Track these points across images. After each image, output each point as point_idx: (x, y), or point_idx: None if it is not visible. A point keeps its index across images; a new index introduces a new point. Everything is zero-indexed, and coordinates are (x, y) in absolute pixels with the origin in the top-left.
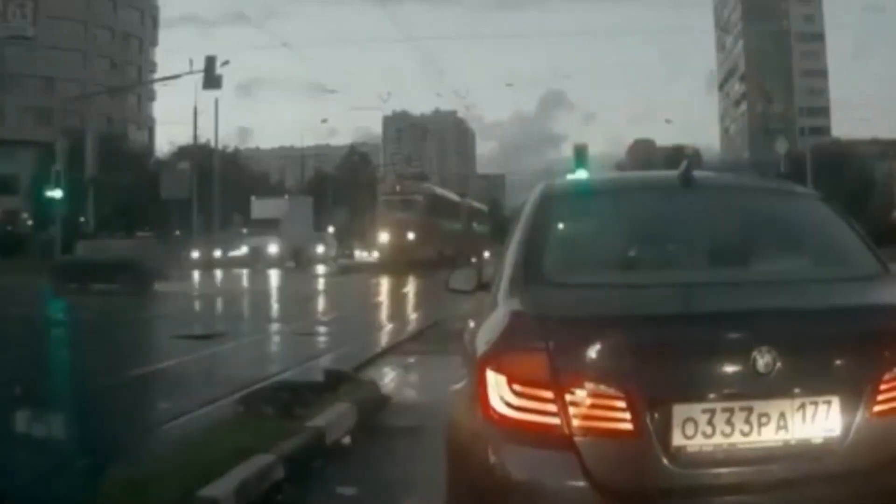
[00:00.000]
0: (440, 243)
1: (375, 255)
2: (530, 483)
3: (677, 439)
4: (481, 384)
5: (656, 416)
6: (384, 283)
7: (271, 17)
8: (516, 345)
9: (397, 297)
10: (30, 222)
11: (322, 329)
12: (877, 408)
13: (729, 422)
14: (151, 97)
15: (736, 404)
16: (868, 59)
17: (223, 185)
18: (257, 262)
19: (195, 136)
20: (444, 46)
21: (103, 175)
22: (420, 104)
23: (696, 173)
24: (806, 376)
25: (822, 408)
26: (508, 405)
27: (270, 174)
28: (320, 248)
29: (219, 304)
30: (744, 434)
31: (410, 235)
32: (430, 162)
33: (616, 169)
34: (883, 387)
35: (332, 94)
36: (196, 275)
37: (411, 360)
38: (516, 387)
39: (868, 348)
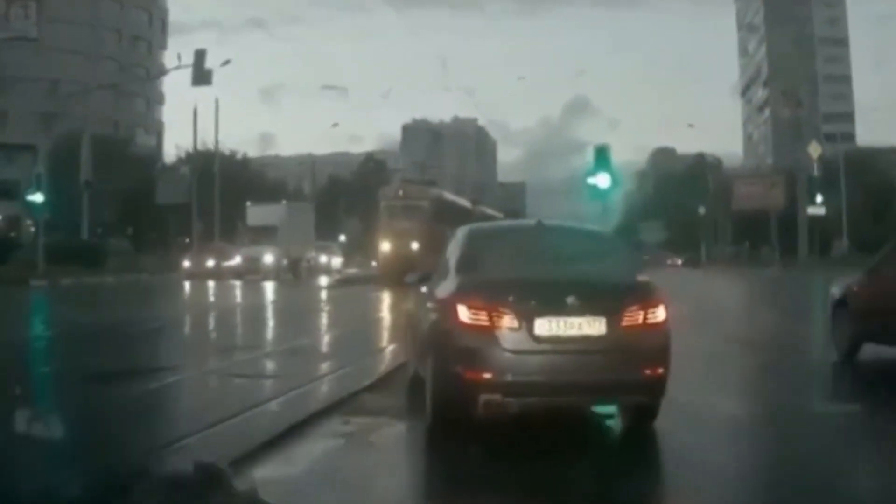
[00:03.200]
0: None
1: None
2: (478, 348)
3: (537, 331)
4: (452, 308)
5: (528, 321)
6: (379, 299)
7: (292, 24)
8: (470, 292)
9: (384, 319)
10: (32, 229)
11: (268, 366)
12: (623, 322)
13: (558, 325)
14: (160, 101)
15: (561, 318)
16: (891, 65)
17: (232, 192)
18: (252, 272)
19: (195, 140)
20: (466, 54)
21: (103, 180)
22: (440, 112)
23: (545, 221)
24: (591, 309)
25: (598, 321)
26: (467, 317)
27: (289, 181)
28: (323, 259)
29: (175, 325)
30: (565, 330)
31: (414, 245)
32: (446, 170)
33: (637, 178)
34: (625, 314)
35: (354, 101)
36: (186, 286)
37: (350, 428)
38: (469, 310)
39: (616, 298)
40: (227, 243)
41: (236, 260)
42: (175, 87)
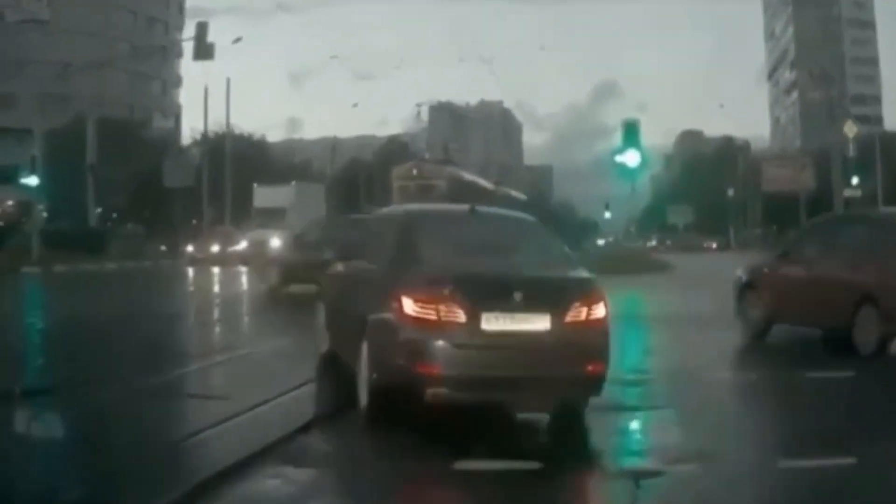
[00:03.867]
0: None
1: None
2: (425, 342)
3: (484, 326)
4: (398, 301)
5: (475, 316)
6: None
7: (321, 7)
8: (416, 285)
9: None
10: (45, 214)
11: (213, 381)
12: (565, 319)
13: (505, 320)
14: (177, 83)
15: (508, 314)
16: None
17: (248, 174)
18: (258, 258)
19: (205, 121)
20: (494, 39)
21: (115, 164)
22: (466, 95)
23: (478, 207)
24: (536, 305)
25: (542, 317)
26: (413, 310)
27: (314, 164)
28: None
29: (140, 320)
30: (511, 325)
31: None
32: (472, 153)
33: (664, 161)
34: (568, 310)
35: (381, 84)
36: (187, 274)
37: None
38: (416, 303)
39: (560, 294)
40: (234, 227)
41: (242, 245)
42: (195, 69)
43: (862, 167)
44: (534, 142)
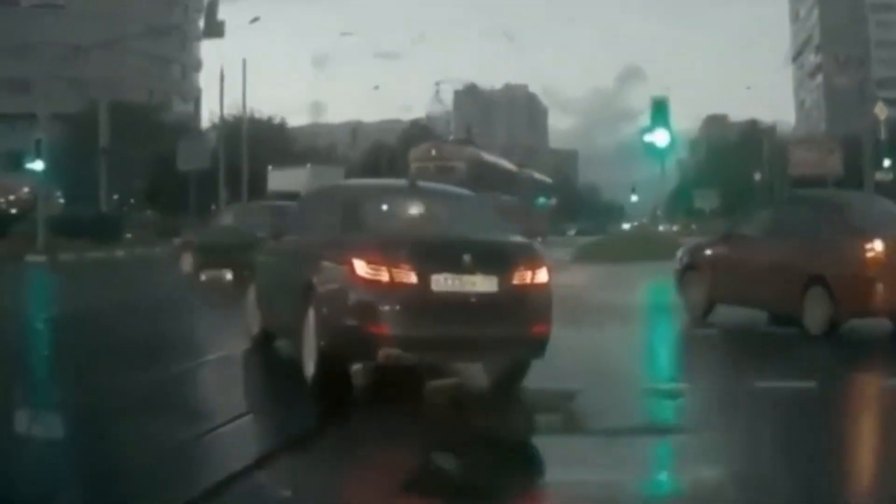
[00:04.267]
0: None
1: None
2: (377, 303)
3: (434, 287)
4: (349, 265)
5: (425, 278)
6: None
7: None
8: (367, 248)
9: None
10: (62, 200)
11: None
12: (512, 281)
13: (454, 281)
14: (196, 67)
15: (457, 275)
16: None
17: (268, 158)
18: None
19: (221, 103)
20: (521, 21)
21: (132, 148)
22: (491, 78)
23: (419, 183)
24: (484, 267)
25: (490, 278)
26: (365, 272)
27: (338, 148)
28: None
29: (117, 315)
30: (460, 286)
31: None
32: (497, 137)
33: (690, 145)
34: (514, 273)
35: (403, 66)
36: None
37: None
38: (368, 265)
39: (506, 258)
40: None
41: None
42: (217, 52)
43: (892, 150)
44: (559, 126)
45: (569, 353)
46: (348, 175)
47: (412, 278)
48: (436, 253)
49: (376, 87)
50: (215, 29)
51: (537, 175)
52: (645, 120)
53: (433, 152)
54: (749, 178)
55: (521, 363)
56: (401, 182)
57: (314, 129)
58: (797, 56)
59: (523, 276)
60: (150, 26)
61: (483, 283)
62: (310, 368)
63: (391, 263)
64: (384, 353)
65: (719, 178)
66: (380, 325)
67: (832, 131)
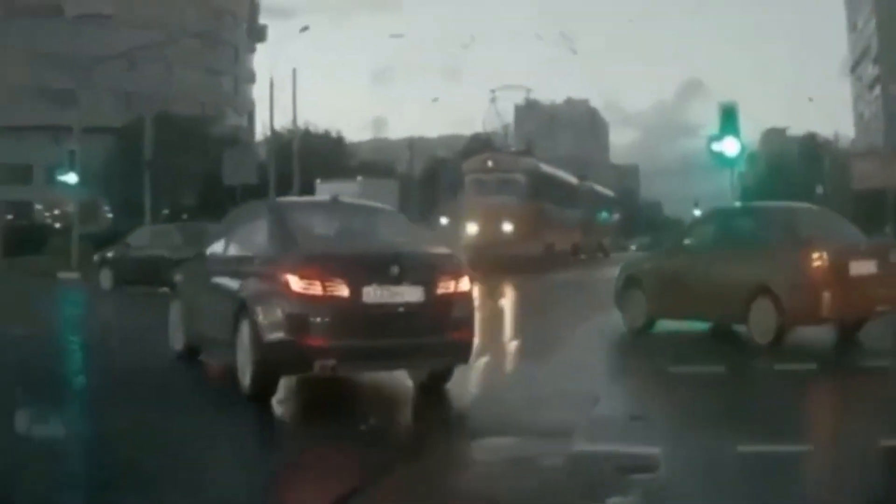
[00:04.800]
0: (550, 236)
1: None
2: (312, 315)
3: (365, 298)
4: (283, 280)
5: (356, 290)
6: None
7: (411, 7)
8: (300, 263)
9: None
10: (109, 215)
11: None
12: (437, 291)
13: (384, 293)
14: (250, 79)
15: (386, 287)
16: None
17: (322, 172)
18: None
19: (271, 115)
20: (583, 36)
21: (182, 162)
22: (553, 93)
23: (340, 198)
24: (409, 277)
25: (417, 289)
26: (299, 287)
27: (398, 164)
28: None
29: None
30: (389, 297)
31: (507, 226)
32: (558, 151)
33: (748, 159)
34: (440, 283)
35: (468, 84)
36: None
37: None
38: (302, 279)
39: (431, 269)
40: None
41: None
42: (272, 65)
43: None
44: (620, 140)
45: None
46: (404, 189)
47: (344, 291)
48: (365, 266)
49: (435, 100)
50: (257, 33)
51: (599, 188)
52: (708, 131)
53: (489, 163)
54: (811, 192)
55: (447, 368)
56: (324, 198)
57: (375, 145)
58: (855, 67)
59: (447, 286)
60: (202, 39)
61: (410, 294)
62: (246, 380)
63: (324, 277)
64: (320, 364)
65: (780, 192)
66: (315, 338)
67: (891, 143)
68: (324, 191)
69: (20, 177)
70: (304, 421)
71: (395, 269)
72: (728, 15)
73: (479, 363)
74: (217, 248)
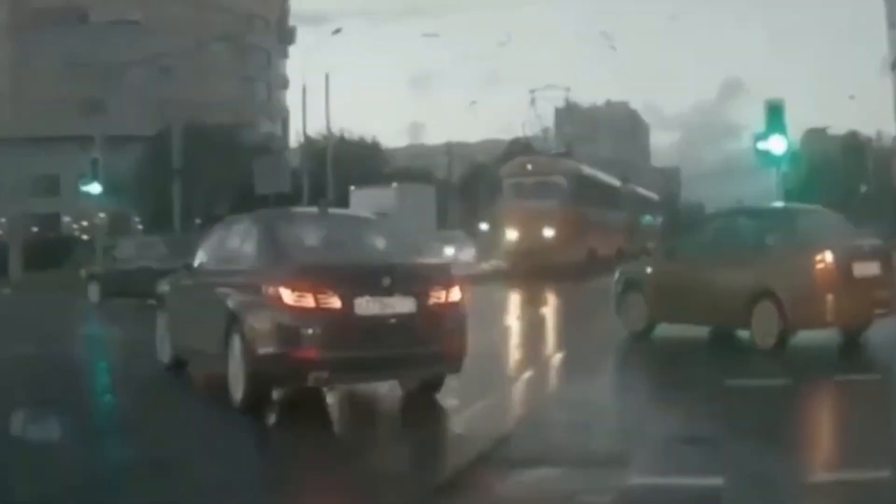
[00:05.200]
0: (592, 241)
1: (493, 260)
2: (305, 326)
3: (357, 310)
4: (275, 292)
5: (349, 301)
6: (495, 304)
7: (448, 11)
8: (291, 275)
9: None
10: (140, 226)
11: None
12: (428, 301)
13: (376, 304)
14: (283, 85)
15: (378, 298)
16: None
17: (357, 179)
18: None
19: (304, 121)
20: (622, 37)
21: (214, 171)
22: (592, 96)
23: (330, 210)
24: (400, 287)
25: (408, 300)
26: (291, 299)
27: (437, 170)
28: (448, 252)
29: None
30: (381, 309)
31: (548, 232)
32: (599, 154)
33: (790, 159)
34: (431, 293)
35: (507, 87)
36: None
37: None
38: (294, 292)
39: (422, 279)
40: None
41: None
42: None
43: None
44: (661, 143)
45: None
46: (441, 196)
47: (337, 303)
48: (357, 277)
49: (473, 103)
50: (286, 35)
51: (642, 190)
52: (751, 131)
53: (528, 167)
54: (854, 192)
55: (438, 377)
56: (311, 209)
57: (412, 150)
58: None
59: (439, 296)
60: (232, 42)
61: (402, 305)
62: (237, 393)
63: (316, 289)
64: (314, 376)
65: (823, 192)
66: (308, 350)
67: None
68: (358, 198)
69: (48, 188)
70: (312, 447)
71: (386, 281)
72: (766, 13)
73: (519, 380)
74: (205, 259)
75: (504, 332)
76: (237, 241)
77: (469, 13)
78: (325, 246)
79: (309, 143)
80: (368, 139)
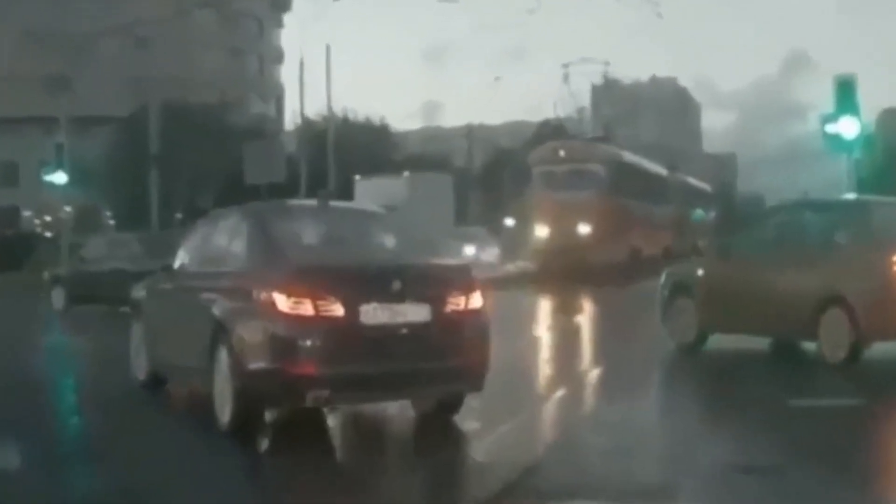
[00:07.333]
0: (635, 238)
1: (520, 261)
2: (302, 338)
3: (363, 318)
4: (268, 299)
5: (353, 309)
6: (524, 312)
7: None
8: (288, 278)
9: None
10: (112, 221)
11: None
12: (445, 309)
13: (384, 312)
14: (278, 59)
15: (387, 305)
16: None
17: (365, 166)
18: None
19: (301, 101)
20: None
21: (198, 158)
22: (635, 71)
23: (331, 203)
24: (413, 293)
25: (422, 307)
26: (287, 307)
27: (455, 156)
28: (468, 251)
29: None
30: (391, 317)
31: (583, 227)
32: (642, 138)
33: (864, 143)
34: (448, 299)
35: (536, 61)
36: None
37: None
38: (289, 298)
39: (438, 283)
40: None
41: None
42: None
43: None
44: (714, 125)
45: None
46: (460, 186)
47: (339, 310)
48: (363, 281)
49: (497, 79)
50: (281, 1)
51: (692, 180)
52: (818, 112)
53: (561, 153)
54: None
55: (457, 397)
56: (310, 202)
57: (426, 134)
58: None
59: (457, 302)
60: (218, 7)
61: (414, 313)
62: (224, 414)
63: (315, 295)
64: (313, 395)
65: None
66: (306, 365)
67: None
68: (364, 189)
69: (6, 177)
70: (309, 477)
71: (396, 285)
72: None
73: (550, 400)
74: (187, 260)
75: (533, 343)
76: (224, 238)
77: None
78: (325, 244)
79: (307, 125)
80: (376, 121)
